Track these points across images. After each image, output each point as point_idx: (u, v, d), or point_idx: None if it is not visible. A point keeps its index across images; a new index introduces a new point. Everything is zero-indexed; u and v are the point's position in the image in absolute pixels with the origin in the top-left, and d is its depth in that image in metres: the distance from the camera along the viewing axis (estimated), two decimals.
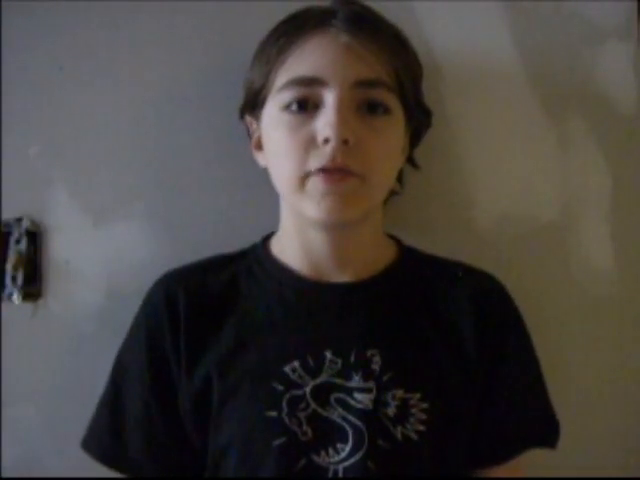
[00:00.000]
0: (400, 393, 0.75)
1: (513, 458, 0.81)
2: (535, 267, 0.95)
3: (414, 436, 0.74)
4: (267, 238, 0.86)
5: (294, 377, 0.75)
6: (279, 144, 0.76)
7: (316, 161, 0.72)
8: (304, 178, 0.73)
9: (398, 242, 0.86)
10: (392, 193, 0.87)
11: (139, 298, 0.84)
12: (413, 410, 0.75)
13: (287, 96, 0.74)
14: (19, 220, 0.91)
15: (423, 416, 0.75)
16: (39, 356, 0.92)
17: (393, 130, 0.77)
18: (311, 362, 0.76)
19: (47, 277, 0.92)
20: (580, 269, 0.96)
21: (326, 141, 0.72)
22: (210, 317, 0.79)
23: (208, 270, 0.84)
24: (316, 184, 0.73)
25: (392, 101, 0.75)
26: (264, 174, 0.81)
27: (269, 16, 0.80)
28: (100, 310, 0.92)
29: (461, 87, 0.95)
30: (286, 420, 0.73)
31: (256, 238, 0.87)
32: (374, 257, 0.82)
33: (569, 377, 0.95)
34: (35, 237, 0.91)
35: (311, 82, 0.73)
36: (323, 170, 0.72)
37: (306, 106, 0.74)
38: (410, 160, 0.87)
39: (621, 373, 0.96)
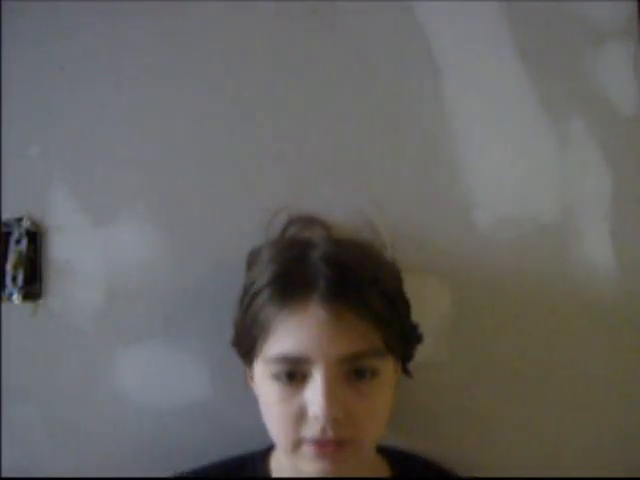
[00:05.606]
0: None
1: None
2: (535, 267, 0.95)
3: None
4: (268, 451, 0.86)
5: None
6: (270, 411, 0.77)
7: (308, 432, 0.73)
8: (297, 444, 0.75)
9: (391, 461, 0.87)
10: None
11: (139, 298, 0.84)
12: None
13: (275, 369, 0.75)
14: (19, 220, 0.91)
15: None
16: (39, 356, 0.91)
17: (382, 388, 0.77)
18: None
19: (47, 277, 0.92)
20: (580, 269, 0.96)
21: (316, 418, 0.73)
22: None
23: None
24: (309, 451, 0.74)
25: (380, 362, 0.76)
26: (264, 173, 0.80)
27: None
28: (100, 310, 0.92)
29: (461, 87, 0.95)
30: None
31: (256, 238, 0.87)
32: None
33: (568, 377, 0.95)
34: (35, 237, 0.91)
35: (297, 360, 0.74)
36: (315, 441, 0.73)
37: (295, 376, 0.74)
38: (404, 370, 0.85)
39: (621, 373, 0.96)
